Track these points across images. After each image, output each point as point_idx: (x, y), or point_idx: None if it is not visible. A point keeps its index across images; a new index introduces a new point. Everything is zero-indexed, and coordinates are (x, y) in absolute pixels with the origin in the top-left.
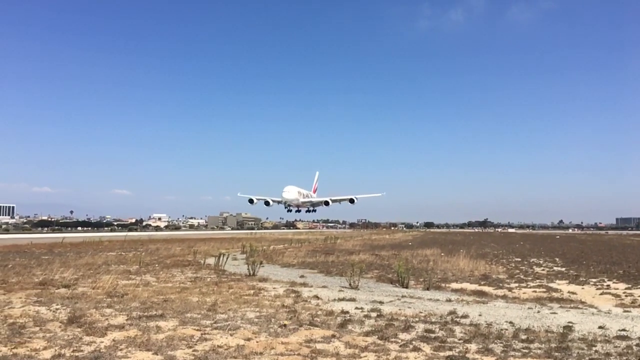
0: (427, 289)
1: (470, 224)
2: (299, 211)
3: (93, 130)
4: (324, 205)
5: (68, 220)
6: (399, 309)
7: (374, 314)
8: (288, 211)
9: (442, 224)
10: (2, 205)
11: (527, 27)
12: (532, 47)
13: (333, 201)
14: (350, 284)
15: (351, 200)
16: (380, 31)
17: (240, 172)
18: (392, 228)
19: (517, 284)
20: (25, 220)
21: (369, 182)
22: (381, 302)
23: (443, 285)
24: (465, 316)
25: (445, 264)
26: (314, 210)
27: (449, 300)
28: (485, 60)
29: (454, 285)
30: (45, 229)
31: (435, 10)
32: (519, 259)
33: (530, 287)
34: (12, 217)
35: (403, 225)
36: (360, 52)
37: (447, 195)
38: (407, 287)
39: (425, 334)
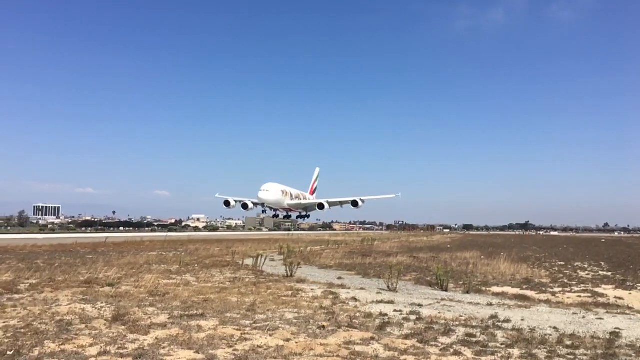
0: (467, 292)
1: (511, 227)
2: (288, 216)
3: (134, 133)
4: (318, 209)
5: (111, 221)
6: (439, 312)
7: (413, 317)
8: (274, 216)
9: (482, 227)
10: (48, 205)
11: (569, 26)
12: (573, 46)
13: (331, 204)
14: (388, 286)
15: (354, 203)
16: (417, 29)
17: (280, 174)
18: (430, 230)
19: (560, 289)
20: (70, 221)
21: (400, 183)
22: (420, 305)
23: (483, 288)
24: (507, 320)
25: (485, 267)
26: (307, 216)
27: (490, 304)
28: (526, 58)
29: (495, 289)
30: (89, 229)
31: (474, 10)
32: (563, 263)
33: (574, 292)
34: (58, 218)
35: (441, 228)
36: (395, 48)
37: (486, 197)
38: (446, 290)
39: (466, 338)
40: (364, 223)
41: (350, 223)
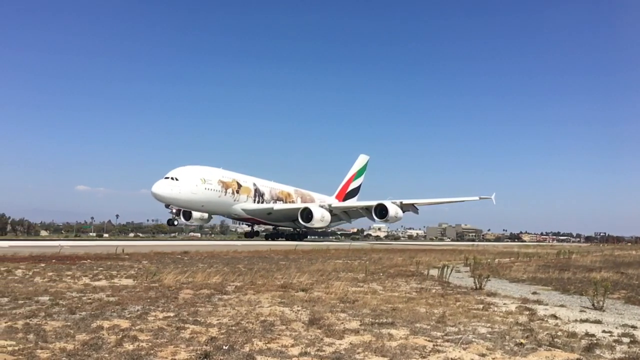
0: None
1: None
2: (277, 232)
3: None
4: (303, 221)
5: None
6: None
7: (625, 339)
8: (250, 234)
9: None
10: None
11: None
12: None
13: (342, 210)
14: (593, 305)
15: (380, 210)
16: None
17: (462, 177)
18: None
19: None
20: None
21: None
22: (634, 327)
23: None
24: None
25: None
26: (303, 235)
27: None
28: None
29: None
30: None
31: None
32: None
33: None
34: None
35: None
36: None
37: None
38: None
39: None
40: (557, 234)
41: (541, 234)
